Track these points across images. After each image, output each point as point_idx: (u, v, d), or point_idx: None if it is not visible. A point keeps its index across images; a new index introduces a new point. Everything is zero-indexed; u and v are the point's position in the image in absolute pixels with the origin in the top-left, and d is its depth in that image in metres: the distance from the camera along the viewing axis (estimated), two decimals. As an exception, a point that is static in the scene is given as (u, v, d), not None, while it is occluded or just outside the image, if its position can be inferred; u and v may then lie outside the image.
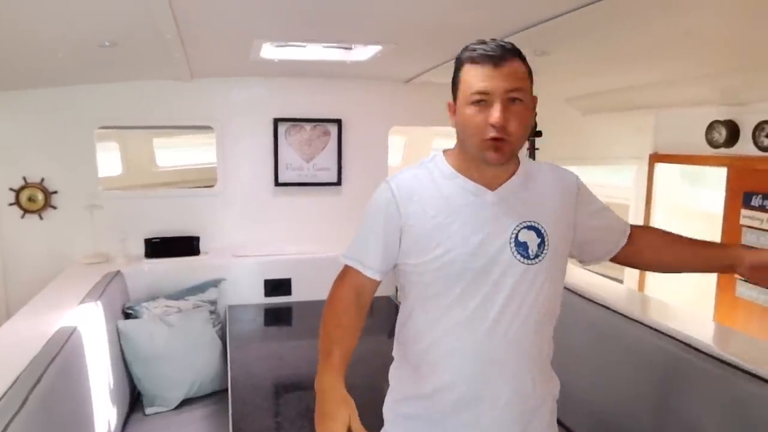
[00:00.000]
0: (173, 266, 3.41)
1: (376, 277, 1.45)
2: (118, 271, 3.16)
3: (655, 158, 4.28)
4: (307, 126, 3.82)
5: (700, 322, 2.18)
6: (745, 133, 3.45)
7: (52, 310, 2.37)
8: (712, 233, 3.90)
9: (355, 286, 1.46)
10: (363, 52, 2.96)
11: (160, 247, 3.49)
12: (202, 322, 3.03)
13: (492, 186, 1.39)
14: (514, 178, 1.41)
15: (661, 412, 1.89)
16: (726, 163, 3.66)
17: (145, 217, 3.59)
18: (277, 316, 3.53)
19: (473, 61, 1.31)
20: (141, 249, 3.48)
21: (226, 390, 2.42)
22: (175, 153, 5.99)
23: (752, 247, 1.48)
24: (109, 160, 5.01)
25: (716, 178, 3.94)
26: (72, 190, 3.46)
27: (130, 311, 2.98)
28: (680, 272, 1.55)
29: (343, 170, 3.91)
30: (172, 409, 2.77)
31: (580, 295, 2.40)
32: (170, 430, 2.61)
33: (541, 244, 1.37)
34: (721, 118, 3.57)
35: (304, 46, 2.90)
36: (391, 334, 1.59)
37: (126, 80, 3.46)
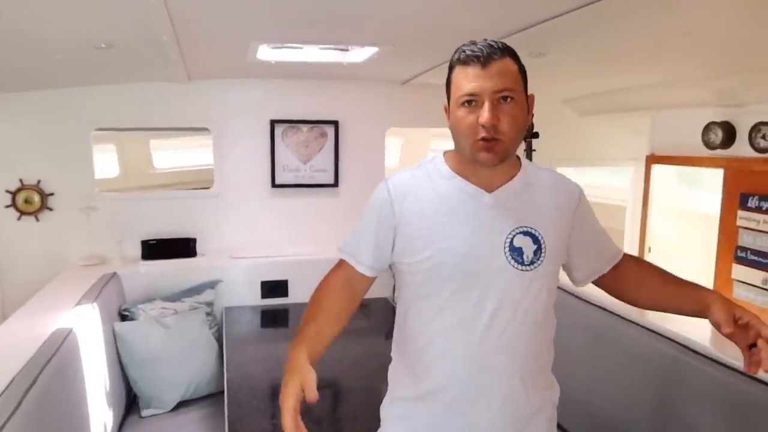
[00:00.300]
0: (170, 268, 3.41)
1: (367, 272, 1.46)
2: (115, 273, 3.16)
3: (652, 159, 4.29)
4: (304, 127, 3.82)
5: (697, 324, 2.17)
6: (742, 135, 3.46)
7: (48, 312, 2.37)
8: (709, 235, 3.91)
9: (346, 275, 1.47)
10: (359, 54, 2.96)
11: (156, 249, 3.49)
12: (199, 324, 3.02)
13: (490, 188, 1.37)
14: (513, 181, 1.39)
15: (659, 414, 1.89)
16: (722, 164, 3.67)
17: (141, 219, 3.59)
18: (273, 318, 3.52)
19: (462, 62, 1.30)
20: (137, 251, 3.47)
21: (223, 392, 2.42)
22: (172, 155, 5.97)
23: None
24: (105, 162, 5.00)
25: (713, 179, 3.95)
26: (68, 192, 3.46)
27: (126, 313, 2.98)
28: (659, 310, 1.50)
29: (340, 172, 3.91)
30: (169, 411, 2.76)
31: (577, 297, 2.40)
32: (167, 433, 2.61)
33: (538, 251, 1.34)
34: (718, 120, 3.58)
35: (301, 48, 2.89)
36: (388, 335, 1.58)
37: (122, 82, 3.46)
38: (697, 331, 1.96)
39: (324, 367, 2.92)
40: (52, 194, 3.45)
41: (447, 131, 1.40)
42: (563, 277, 1.50)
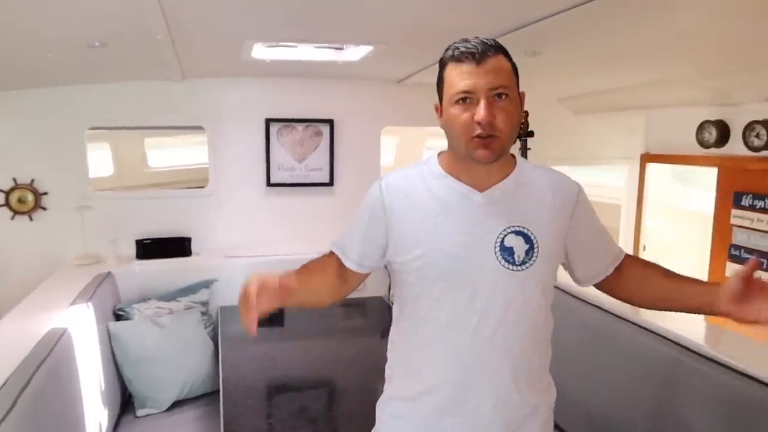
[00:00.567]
0: (164, 267, 3.39)
1: (353, 267, 1.48)
2: (109, 273, 3.14)
3: (647, 158, 4.29)
4: (299, 126, 3.82)
5: (693, 322, 2.18)
6: (736, 133, 3.47)
7: (43, 312, 2.36)
8: (703, 233, 3.92)
9: (335, 262, 1.51)
10: (354, 53, 2.96)
11: (151, 248, 3.48)
12: (194, 324, 3.01)
13: (482, 187, 1.35)
14: (506, 180, 1.37)
15: (655, 413, 1.89)
16: (716, 163, 3.68)
17: (136, 218, 3.57)
18: (269, 318, 3.48)
19: (455, 59, 1.29)
20: (132, 250, 3.46)
21: (218, 391, 2.41)
22: (167, 153, 5.97)
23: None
24: (100, 161, 4.99)
25: (707, 178, 3.96)
26: (62, 191, 3.44)
27: (120, 313, 2.97)
28: (663, 309, 1.48)
29: (335, 170, 3.90)
30: (164, 411, 2.75)
31: (573, 296, 2.40)
32: (162, 432, 2.60)
33: (530, 251, 1.32)
34: (712, 119, 3.59)
35: (296, 47, 2.89)
36: (383, 334, 1.58)
37: (116, 81, 3.44)
38: (693, 330, 1.97)
39: (320, 366, 2.93)
40: (46, 193, 3.44)
41: (442, 130, 1.40)
42: (560, 276, 1.47)
